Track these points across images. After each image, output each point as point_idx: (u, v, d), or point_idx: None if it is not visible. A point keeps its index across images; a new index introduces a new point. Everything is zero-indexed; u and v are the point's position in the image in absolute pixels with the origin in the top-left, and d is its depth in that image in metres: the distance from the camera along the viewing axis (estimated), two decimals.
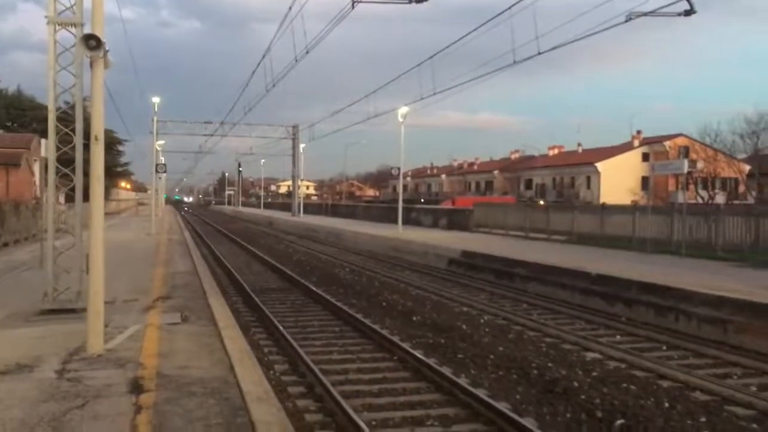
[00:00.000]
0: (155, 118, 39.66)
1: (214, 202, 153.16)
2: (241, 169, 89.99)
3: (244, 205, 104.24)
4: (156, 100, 38.40)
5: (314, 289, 15.36)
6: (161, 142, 50.91)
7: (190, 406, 5.31)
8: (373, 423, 6.63)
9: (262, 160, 72.94)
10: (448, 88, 19.47)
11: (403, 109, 30.41)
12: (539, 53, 13.83)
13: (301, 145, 52.76)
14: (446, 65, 19.27)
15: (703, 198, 47.90)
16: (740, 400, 7.52)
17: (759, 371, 9.02)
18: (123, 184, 79.70)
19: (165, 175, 52.22)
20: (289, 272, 18.68)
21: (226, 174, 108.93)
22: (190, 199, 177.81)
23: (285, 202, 75.14)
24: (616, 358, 9.51)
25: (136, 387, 5.89)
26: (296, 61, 18.88)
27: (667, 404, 7.25)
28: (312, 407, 7.18)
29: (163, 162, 47.53)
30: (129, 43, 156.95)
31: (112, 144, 52.45)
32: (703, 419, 6.78)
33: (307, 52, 17.42)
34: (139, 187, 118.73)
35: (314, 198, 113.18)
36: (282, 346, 9.96)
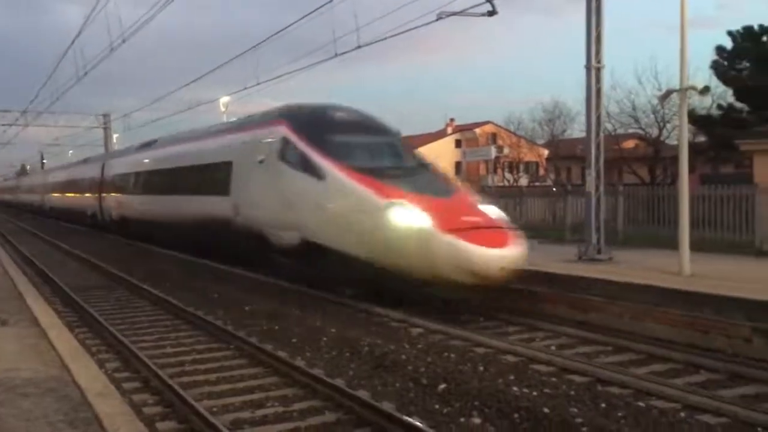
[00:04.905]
0: None
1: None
2: (45, 161, 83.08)
3: None
4: None
5: (139, 284, 14.93)
6: None
7: (26, 407, 5.18)
8: (214, 409, 6.80)
9: (70, 151, 67.98)
10: (271, 79, 19.61)
11: (225, 99, 30.01)
12: (359, 47, 14.45)
13: (115, 135, 49.98)
14: (269, 55, 19.39)
15: (509, 181, 51.95)
16: (542, 359, 8.60)
17: (557, 334, 10.31)
18: None
19: None
20: (110, 269, 17.88)
21: (28, 167, 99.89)
22: None
23: None
24: (437, 330, 10.35)
25: None
26: (111, 49, 18.02)
27: (481, 368, 8.14)
28: (150, 401, 7.19)
29: None
30: None
31: None
32: (512, 377, 7.70)
33: (124, 41, 16.71)
34: None
35: None
36: (111, 344, 9.72)
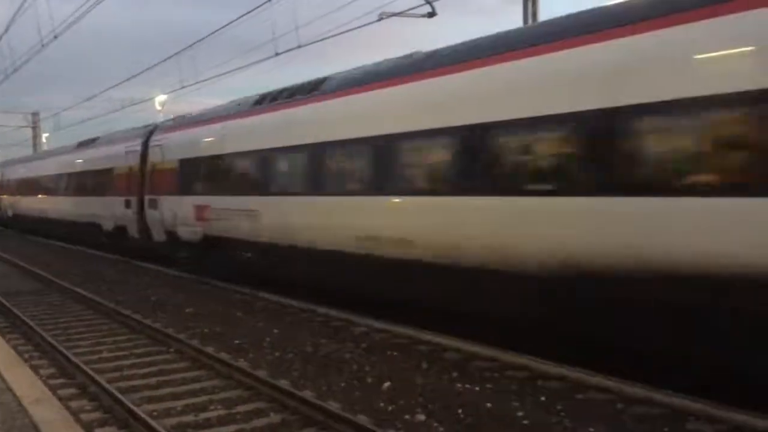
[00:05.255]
0: None
1: None
2: None
3: None
4: None
5: (73, 288, 14.48)
6: None
7: None
8: (155, 413, 6.66)
9: None
10: (210, 78, 19.25)
11: (161, 98, 29.36)
12: (299, 46, 14.36)
13: (45, 135, 48.22)
14: (208, 53, 19.08)
15: None
16: (483, 355, 8.73)
17: None
18: None
19: None
20: (41, 272, 17.27)
21: None
22: None
23: None
24: (381, 329, 10.40)
25: None
26: (42, 45, 17.39)
27: (425, 365, 8.23)
28: (88, 407, 6.98)
29: None
30: None
31: None
32: (454, 374, 7.82)
33: (55, 37, 16.15)
34: None
35: None
36: (45, 350, 9.40)
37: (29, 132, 48.98)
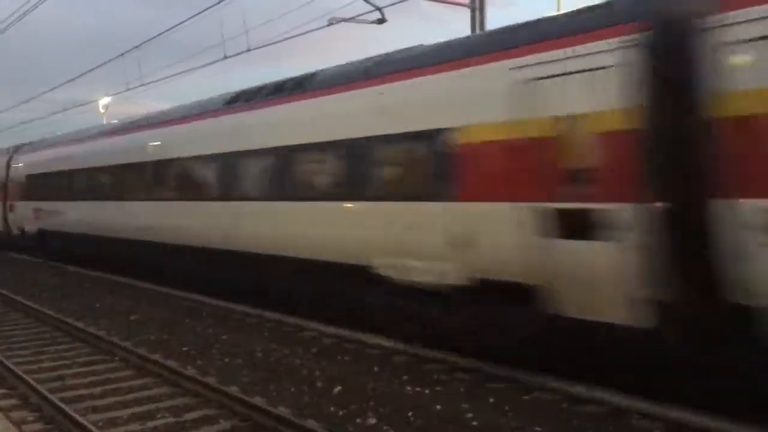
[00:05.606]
0: None
1: None
2: None
3: None
4: None
5: (10, 295, 14.02)
6: None
7: None
8: (100, 423, 6.51)
9: None
10: (157, 80, 18.93)
11: (105, 100, 28.70)
12: (249, 50, 14.25)
13: None
14: (155, 55, 18.74)
15: None
16: (434, 357, 8.81)
17: None
18: None
19: None
20: None
21: None
22: None
23: None
24: (331, 334, 10.38)
25: None
26: None
27: (376, 368, 8.26)
28: (30, 417, 6.79)
29: None
30: None
31: None
32: (405, 377, 7.87)
33: None
34: None
35: None
36: None
37: None
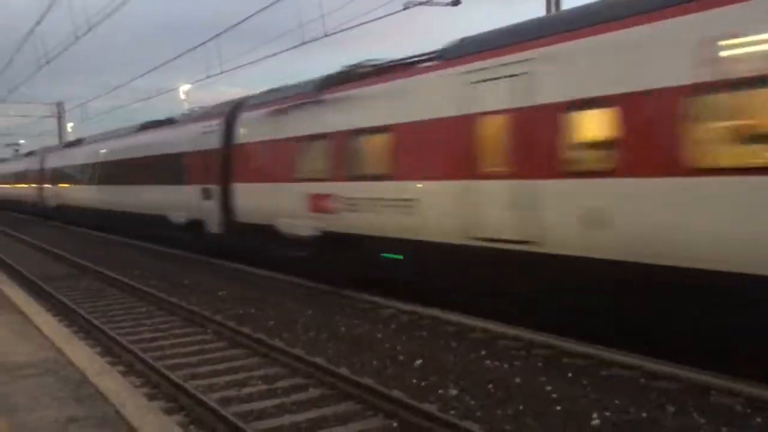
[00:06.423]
0: None
1: None
2: None
3: None
4: None
5: (107, 272, 14.97)
6: None
7: (29, 386, 5.38)
8: (200, 388, 7.05)
9: (21, 141, 66.28)
10: (234, 68, 19.62)
11: (185, 87, 29.79)
12: (326, 35, 14.64)
13: (69, 124, 49.01)
14: (233, 42, 19.39)
15: None
16: (509, 334, 9.02)
17: None
18: None
19: None
20: (75, 258, 17.80)
21: None
22: None
23: None
24: (408, 311, 10.72)
25: None
26: (76, 38, 17.83)
27: (454, 343, 8.55)
28: (137, 382, 7.39)
29: None
30: None
31: None
32: (483, 352, 8.13)
33: (90, 29, 16.58)
34: None
35: None
36: (88, 330, 9.84)
37: (54, 122, 49.79)
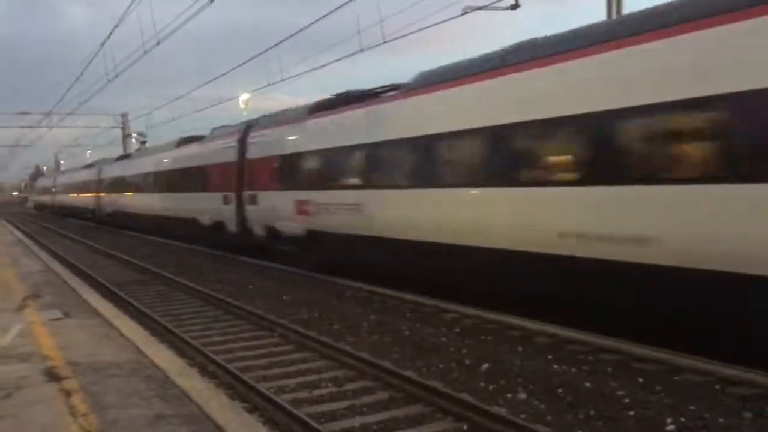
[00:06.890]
0: None
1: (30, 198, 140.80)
2: (62, 161, 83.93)
3: None
4: None
5: (173, 278, 15.44)
6: None
7: (117, 385, 5.65)
8: (272, 390, 7.24)
9: (88, 151, 68.79)
10: (295, 75, 20.00)
11: (245, 96, 30.47)
12: (384, 42, 14.79)
13: (134, 134, 50.53)
14: (291, 50, 19.75)
15: None
16: (576, 339, 8.96)
17: None
18: None
19: None
20: (141, 264, 18.41)
21: (44, 168, 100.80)
22: None
23: None
24: (471, 315, 10.75)
25: (53, 375, 6.07)
26: (145, 51, 18.49)
27: (520, 348, 8.55)
28: (211, 384, 7.61)
29: None
30: None
31: None
32: (549, 356, 8.10)
33: (158, 43, 17.17)
34: None
35: None
36: (160, 333, 10.18)
37: (119, 132, 51.51)
